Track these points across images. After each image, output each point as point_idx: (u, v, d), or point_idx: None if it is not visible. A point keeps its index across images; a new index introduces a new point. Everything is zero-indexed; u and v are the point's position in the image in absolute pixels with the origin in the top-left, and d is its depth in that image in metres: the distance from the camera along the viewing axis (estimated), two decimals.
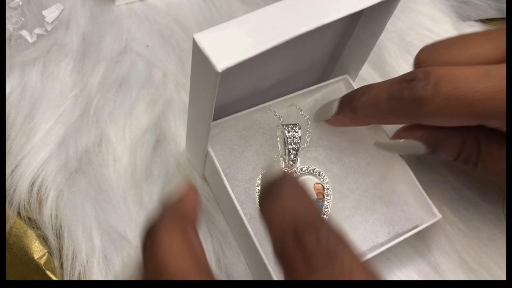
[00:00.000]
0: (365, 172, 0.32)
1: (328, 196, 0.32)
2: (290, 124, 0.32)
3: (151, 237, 0.19)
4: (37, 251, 0.31)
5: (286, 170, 0.20)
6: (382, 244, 0.30)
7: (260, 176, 0.31)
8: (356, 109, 0.29)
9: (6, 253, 0.31)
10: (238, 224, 0.29)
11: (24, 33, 0.37)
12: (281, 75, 0.32)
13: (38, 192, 0.33)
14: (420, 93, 0.25)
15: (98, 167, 0.34)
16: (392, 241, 0.29)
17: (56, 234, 0.32)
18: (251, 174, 0.31)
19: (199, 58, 0.22)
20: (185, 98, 0.37)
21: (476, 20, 0.44)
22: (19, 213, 0.32)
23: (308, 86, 0.34)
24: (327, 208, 0.31)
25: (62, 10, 0.37)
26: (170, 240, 0.18)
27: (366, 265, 0.16)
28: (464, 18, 0.44)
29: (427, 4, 0.44)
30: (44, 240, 0.32)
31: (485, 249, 0.33)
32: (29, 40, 0.37)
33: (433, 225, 0.31)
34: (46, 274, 0.31)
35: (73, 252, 0.31)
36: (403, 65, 0.41)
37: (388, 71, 0.40)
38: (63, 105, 0.36)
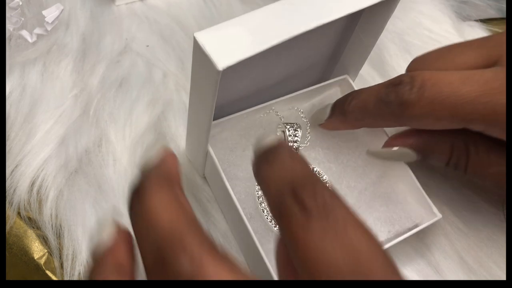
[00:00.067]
0: (364, 171, 0.32)
1: None
2: (290, 123, 0.32)
3: (138, 196, 0.18)
4: (37, 251, 0.31)
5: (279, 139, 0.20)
6: (383, 243, 0.30)
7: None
8: (346, 112, 0.30)
9: (6, 253, 0.31)
10: (238, 223, 0.29)
11: (24, 33, 0.37)
12: (281, 75, 0.32)
13: (38, 192, 0.33)
14: (406, 97, 0.26)
15: (98, 167, 0.34)
16: (393, 241, 0.29)
17: (56, 234, 0.32)
18: (251, 173, 0.31)
19: (200, 56, 0.22)
20: (185, 98, 0.37)
21: (476, 20, 0.44)
22: (19, 213, 0.32)
23: (308, 86, 0.34)
24: None
25: (62, 10, 0.37)
26: (158, 196, 0.18)
27: (359, 220, 0.17)
28: (464, 18, 0.44)
29: (427, 4, 0.44)
30: (44, 240, 0.32)
31: (485, 249, 0.33)
32: (29, 40, 0.37)
33: (433, 225, 0.31)
34: (46, 274, 0.31)
35: (73, 252, 0.31)
36: (403, 65, 0.40)
37: (388, 71, 0.40)
38: (63, 105, 0.36)
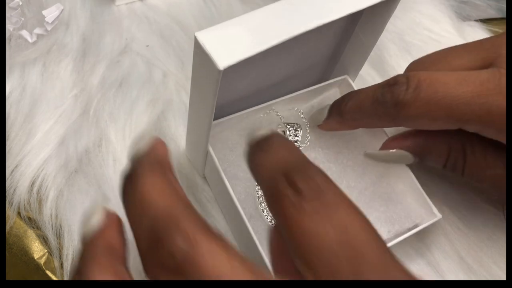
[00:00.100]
0: (364, 171, 0.33)
1: None
2: (290, 123, 0.32)
3: (131, 182, 0.18)
4: (37, 251, 0.31)
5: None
6: None
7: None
8: (343, 113, 0.30)
9: (6, 253, 0.31)
10: (238, 223, 0.29)
11: (24, 33, 0.37)
12: (282, 75, 0.32)
13: (38, 192, 0.33)
14: (401, 97, 0.26)
15: (98, 167, 0.34)
16: (393, 241, 0.29)
17: (56, 234, 0.32)
18: None
19: (201, 56, 0.22)
20: (185, 98, 0.37)
21: (476, 20, 0.44)
22: (19, 213, 0.32)
23: (308, 86, 0.34)
24: None
25: (62, 10, 0.37)
26: (152, 181, 0.18)
27: (351, 202, 0.17)
28: (464, 18, 0.44)
29: (427, 4, 0.44)
30: (44, 240, 0.32)
31: (485, 249, 0.33)
32: (29, 40, 0.37)
33: (433, 225, 0.31)
34: (46, 274, 0.31)
35: (73, 252, 0.31)
36: (403, 65, 0.40)
37: (388, 71, 0.40)
38: (63, 105, 0.36)
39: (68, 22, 0.40)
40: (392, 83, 0.27)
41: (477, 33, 0.44)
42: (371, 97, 0.28)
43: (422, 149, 0.30)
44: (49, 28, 0.37)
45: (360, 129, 0.33)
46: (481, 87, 0.25)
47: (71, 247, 0.31)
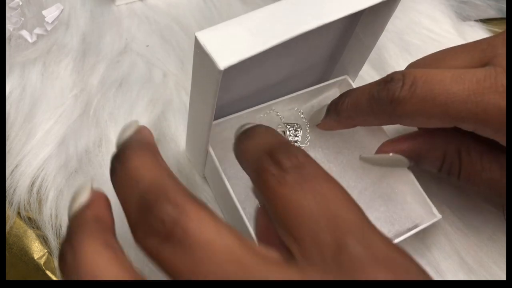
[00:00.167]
0: (364, 171, 0.32)
1: None
2: (291, 123, 0.32)
3: (120, 161, 0.19)
4: (37, 251, 0.31)
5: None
6: None
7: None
8: (340, 112, 0.30)
9: (6, 253, 0.31)
10: (238, 223, 0.29)
11: (24, 33, 0.37)
12: (281, 75, 0.32)
13: (38, 192, 0.33)
14: (397, 94, 0.26)
15: (98, 167, 0.34)
16: (393, 241, 0.29)
17: (56, 234, 0.32)
18: None
19: (201, 56, 0.22)
20: (185, 98, 0.37)
21: (476, 20, 0.44)
22: (19, 213, 0.32)
23: (308, 86, 0.34)
24: None
25: (62, 10, 0.37)
26: (141, 159, 0.19)
27: (331, 176, 0.18)
28: (464, 18, 0.44)
29: (427, 3, 0.44)
30: (44, 240, 0.32)
31: (485, 249, 0.33)
32: (29, 40, 0.37)
33: (433, 225, 0.31)
34: (46, 274, 0.31)
35: None
36: (403, 65, 0.41)
37: (388, 71, 0.40)
38: (63, 105, 0.36)
39: (68, 22, 0.40)
40: (388, 80, 0.27)
41: (477, 33, 0.44)
42: (367, 95, 0.28)
43: (418, 153, 0.30)
44: (49, 28, 0.37)
45: (360, 129, 0.33)
46: (477, 85, 0.25)
47: None
